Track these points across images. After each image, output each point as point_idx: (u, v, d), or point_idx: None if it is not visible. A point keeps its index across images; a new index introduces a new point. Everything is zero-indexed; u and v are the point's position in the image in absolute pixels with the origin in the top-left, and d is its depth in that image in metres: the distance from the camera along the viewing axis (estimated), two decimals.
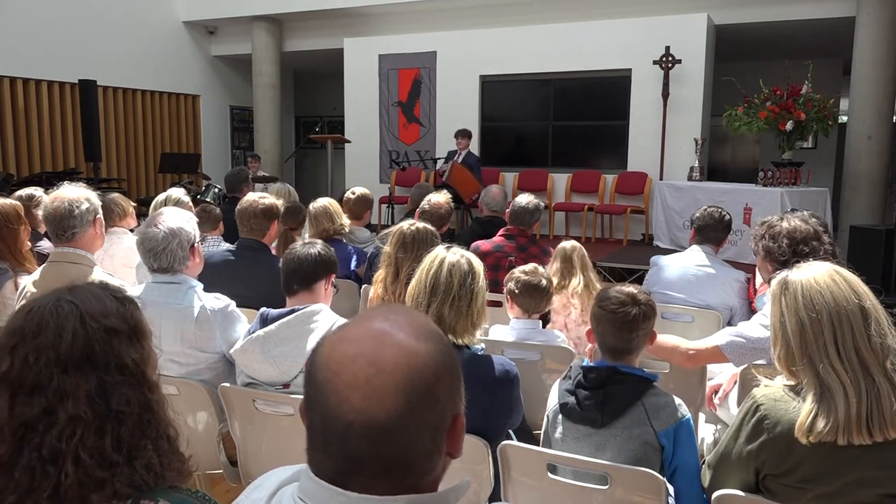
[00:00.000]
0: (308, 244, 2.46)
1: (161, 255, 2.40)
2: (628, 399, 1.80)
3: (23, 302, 2.57)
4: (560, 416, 1.89)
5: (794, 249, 2.39)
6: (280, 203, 3.57)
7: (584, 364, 1.88)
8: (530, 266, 2.82)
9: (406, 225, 3.02)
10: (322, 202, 4.08)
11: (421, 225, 3.04)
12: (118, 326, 1.13)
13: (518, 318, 2.75)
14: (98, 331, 1.10)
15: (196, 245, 2.51)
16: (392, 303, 2.99)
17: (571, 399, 1.86)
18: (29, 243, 3.00)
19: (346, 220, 4.14)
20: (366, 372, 0.78)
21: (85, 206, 2.63)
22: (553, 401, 1.95)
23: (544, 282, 2.73)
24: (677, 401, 1.83)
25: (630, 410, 1.79)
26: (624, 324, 1.86)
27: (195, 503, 1.09)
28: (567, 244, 3.26)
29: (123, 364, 1.11)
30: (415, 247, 2.91)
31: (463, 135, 8.42)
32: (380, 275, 3.04)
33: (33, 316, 1.09)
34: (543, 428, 2.00)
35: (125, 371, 1.11)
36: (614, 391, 1.81)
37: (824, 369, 1.48)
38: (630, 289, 1.92)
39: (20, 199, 3.62)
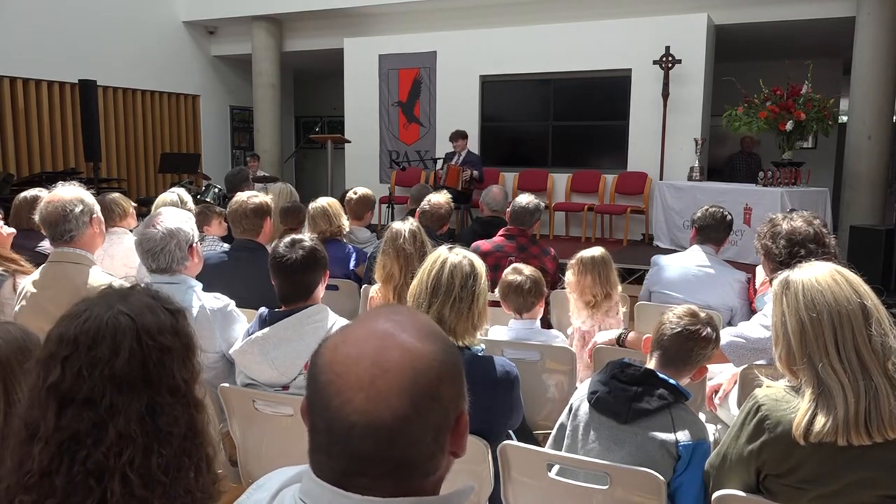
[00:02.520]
0: (297, 247, 2.29)
1: (159, 256, 2.39)
2: (658, 404, 1.79)
3: (23, 302, 2.58)
4: (585, 405, 1.90)
5: (790, 251, 2.39)
6: (270, 199, 3.52)
7: (625, 360, 1.90)
8: (512, 266, 2.81)
9: (395, 225, 3.00)
10: (321, 203, 3.98)
11: (406, 227, 2.98)
12: (172, 345, 1.12)
13: (515, 319, 2.75)
14: (153, 350, 1.09)
15: (195, 245, 2.50)
16: (394, 304, 2.98)
17: (603, 388, 1.86)
18: (11, 231, 2.94)
19: (345, 221, 4.04)
20: (370, 373, 0.78)
21: (79, 208, 2.58)
22: (582, 391, 1.95)
23: (519, 278, 2.70)
24: (704, 422, 1.83)
25: (657, 415, 1.78)
26: (691, 333, 1.88)
27: None
28: (587, 254, 3.02)
29: (175, 386, 1.11)
30: (394, 245, 2.90)
31: (458, 136, 8.43)
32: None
33: (89, 326, 1.07)
34: (560, 420, 2.00)
35: (176, 393, 1.11)
36: (647, 392, 1.81)
37: (823, 369, 1.48)
38: (706, 314, 1.96)
39: (24, 200, 3.61)
